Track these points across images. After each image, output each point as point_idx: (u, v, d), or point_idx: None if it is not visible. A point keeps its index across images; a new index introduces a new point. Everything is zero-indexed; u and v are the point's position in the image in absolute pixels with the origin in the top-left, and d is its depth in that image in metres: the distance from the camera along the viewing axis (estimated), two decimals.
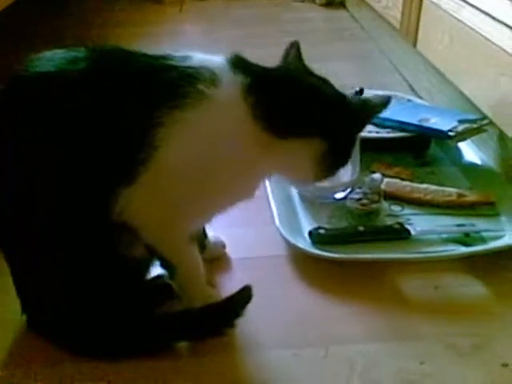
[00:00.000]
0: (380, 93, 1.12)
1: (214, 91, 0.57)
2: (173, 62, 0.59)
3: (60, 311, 0.62)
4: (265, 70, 0.63)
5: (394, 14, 1.33)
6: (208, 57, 0.61)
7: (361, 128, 0.67)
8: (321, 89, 0.63)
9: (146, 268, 0.66)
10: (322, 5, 2.05)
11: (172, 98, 0.57)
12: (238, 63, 0.61)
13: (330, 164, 0.64)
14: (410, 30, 1.22)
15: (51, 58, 0.59)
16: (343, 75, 0.73)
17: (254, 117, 0.58)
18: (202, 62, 0.59)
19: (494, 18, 0.87)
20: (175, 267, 0.65)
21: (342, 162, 0.66)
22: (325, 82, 0.65)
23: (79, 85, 0.57)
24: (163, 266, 0.67)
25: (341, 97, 0.64)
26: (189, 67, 0.59)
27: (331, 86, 0.65)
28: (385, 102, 0.65)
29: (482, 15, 0.91)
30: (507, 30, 0.83)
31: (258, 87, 0.59)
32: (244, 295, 0.64)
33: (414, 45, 1.20)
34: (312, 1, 2.09)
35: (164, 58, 0.60)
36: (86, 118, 0.56)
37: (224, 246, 0.79)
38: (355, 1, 1.87)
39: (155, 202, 0.59)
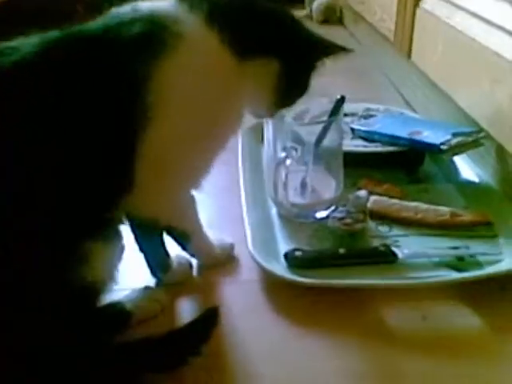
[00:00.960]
0: (373, 106, 1.08)
1: (182, 29, 0.56)
2: (129, 16, 0.56)
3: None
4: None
5: (389, 26, 1.29)
6: (154, 2, 0.59)
7: (317, 54, 0.66)
8: (276, 11, 0.64)
9: (98, 294, 0.58)
10: (319, 22, 2.03)
11: (150, 49, 0.54)
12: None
13: (286, 90, 0.65)
14: (403, 41, 1.17)
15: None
16: (339, 90, 0.72)
17: (222, 43, 0.58)
18: (153, 7, 0.57)
19: (487, 22, 0.82)
20: (190, 235, 0.68)
21: (298, 91, 0.67)
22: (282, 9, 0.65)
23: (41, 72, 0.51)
24: (178, 242, 0.70)
25: (296, 21, 0.65)
26: (147, 15, 0.56)
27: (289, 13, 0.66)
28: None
29: (476, 20, 0.85)
30: (502, 34, 0.77)
31: (217, 13, 0.58)
32: (209, 318, 0.59)
33: (409, 56, 1.15)
34: (310, 18, 2.06)
35: (116, 16, 0.57)
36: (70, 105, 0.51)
37: (191, 267, 0.72)
38: (352, 17, 1.83)
39: (160, 172, 0.57)
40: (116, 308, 0.63)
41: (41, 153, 0.50)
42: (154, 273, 0.69)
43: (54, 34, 0.55)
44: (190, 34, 0.56)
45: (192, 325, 0.60)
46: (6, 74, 0.51)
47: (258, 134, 0.95)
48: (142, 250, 0.68)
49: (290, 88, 0.65)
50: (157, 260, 0.69)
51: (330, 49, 0.67)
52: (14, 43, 0.53)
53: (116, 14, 0.57)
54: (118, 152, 0.54)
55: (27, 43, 0.53)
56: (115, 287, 0.60)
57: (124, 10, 0.58)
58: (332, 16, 2.04)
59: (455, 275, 0.68)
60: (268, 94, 0.64)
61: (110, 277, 0.58)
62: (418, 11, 1.10)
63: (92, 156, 0.53)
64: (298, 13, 2.09)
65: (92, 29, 0.55)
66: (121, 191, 0.56)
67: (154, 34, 0.55)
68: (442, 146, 0.83)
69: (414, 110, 1.17)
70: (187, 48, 0.56)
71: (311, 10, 2.07)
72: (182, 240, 0.70)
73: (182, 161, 0.59)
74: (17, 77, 0.51)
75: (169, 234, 0.70)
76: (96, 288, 0.57)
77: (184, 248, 0.71)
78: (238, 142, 0.97)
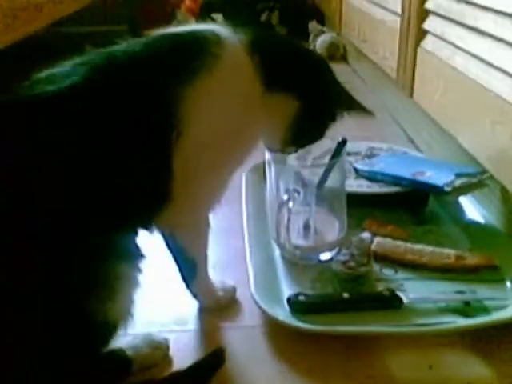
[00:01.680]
0: (376, 145, 1.08)
1: (223, 52, 0.59)
2: (174, 33, 0.61)
3: None
4: (259, 30, 0.66)
5: (391, 65, 1.30)
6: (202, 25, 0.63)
7: (338, 106, 0.69)
8: (312, 56, 0.70)
9: (112, 334, 0.57)
10: None
11: (187, 69, 0.57)
12: (233, 25, 0.63)
13: (300, 130, 0.67)
14: (406, 80, 1.18)
15: (48, 77, 0.55)
16: (342, 126, 0.72)
17: (255, 71, 0.61)
18: (199, 28, 0.61)
19: (488, 63, 0.82)
20: (197, 265, 0.68)
21: (311, 135, 0.70)
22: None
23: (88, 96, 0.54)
24: (183, 276, 0.70)
25: (327, 70, 0.69)
26: (192, 33, 0.60)
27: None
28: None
29: (476, 61, 0.86)
30: (502, 76, 0.78)
31: (258, 44, 0.62)
32: (215, 359, 0.61)
33: (411, 95, 1.16)
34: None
35: (163, 34, 0.60)
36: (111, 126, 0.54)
37: (234, 292, 0.74)
38: (355, 54, 1.85)
39: (189, 183, 0.59)
40: (117, 355, 0.62)
41: (89, 173, 0.53)
42: (185, 280, 0.70)
43: (97, 58, 0.57)
44: (228, 58, 0.59)
45: (198, 365, 0.60)
46: (60, 98, 0.53)
47: (260, 173, 0.95)
48: (173, 256, 0.69)
49: (303, 129, 0.68)
50: (188, 268, 0.69)
51: (352, 105, 0.70)
52: (60, 69, 0.56)
53: (161, 34, 0.60)
54: (158, 165, 0.57)
55: (74, 69, 0.55)
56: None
57: (170, 30, 0.61)
58: (336, 53, 2.06)
59: (462, 322, 0.66)
60: (282, 129, 0.66)
61: (127, 314, 0.57)
62: (419, 51, 1.11)
63: (136, 170, 0.55)
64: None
65: (135, 50, 0.58)
66: (160, 202, 0.58)
67: (195, 55, 0.58)
68: (445, 188, 0.82)
69: (417, 149, 1.17)
70: (223, 70, 0.59)
71: (315, 47, 2.10)
72: (188, 273, 0.70)
73: (208, 172, 0.62)
74: (71, 101, 0.54)
75: (177, 264, 0.69)
76: (112, 327, 0.56)
77: (187, 285, 0.71)
78: (242, 182, 0.97)
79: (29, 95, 0.54)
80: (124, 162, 0.55)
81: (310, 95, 0.65)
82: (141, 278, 0.58)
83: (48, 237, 0.51)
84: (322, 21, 2.31)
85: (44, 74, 0.56)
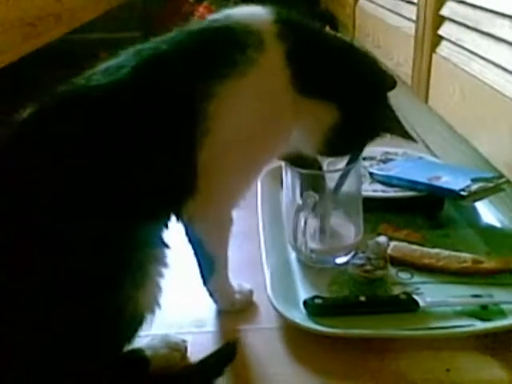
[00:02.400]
0: (391, 150, 1.08)
1: (260, 57, 0.58)
2: (216, 26, 0.60)
3: None
4: (310, 34, 0.63)
5: (406, 71, 1.30)
6: (251, 12, 0.61)
7: (379, 128, 0.68)
8: (352, 67, 0.65)
9: (136, 330, 0.59)
10: None
11: (222, 67, 0.57)
12: (284, 23, 0.61)
13: (335, 140, 0.65)
14: (421, 86, 1.18)
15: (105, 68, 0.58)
16: None
17: (292, 82, 0.60)
18: (246, 22, 0.60)
19: (504, 70, 0.82)
20: (216, 263, 0.68)
21: (346, 148, 0.69)
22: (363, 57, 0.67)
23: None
24: (201, 272, 0.70)
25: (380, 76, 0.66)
26: (234, 29, 0.59)
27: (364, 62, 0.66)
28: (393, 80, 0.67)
29: (493, 67, 0.86)
30: None
31: (300, 55, 0.60)
32: (227, 352, 0.61)
33: (426, 101, 1.16)
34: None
35: (206, 25, 0.61)
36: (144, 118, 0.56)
37: (251, 294, 0.74)
38: None
39: (213, 181, 0.60)
40: (135, 354, 0.62)
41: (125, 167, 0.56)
42: (202, 277, 0.71)
43: (145, 49, 0.59)
44: (264, 64, 0.59)
45: (210, 357, 0.61)
46: (109, 91, 0.56)
47: (276, 178, 0.96)
48: (194, 250, 0.69)
49: (339, 140, 0.66)
50: (206, 263, 0.69)
51: (394, 129, 0.69)
52: (115, 61, 0.59)
53: (202, 25, 0.62)
54: (185, 157, 0.59)
55: (126, 61, 0.58)
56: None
57: (214, 19, 0.61)
58: None
59: (479, 325, 0.66)
60: (316, 137, 0.66)
61: (154, 304, 0.59)
62: (434, 57, 1.11)
63: (163, 162, 0.58)
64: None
65: (178, 43, 0.60)
66: (183, 195, 0.60)
67: (230, 53, 0.58)
68: (461, 192, 0.82)
69: (433, 154, 1.17)
70: (257, 75, 0.59)
71: None
72: (206, 270, 0.70)
73: (232, 169, 0.62)
74: (117, 94, 0.56)
75: (196, 258, 0.70)
76: (139, 319, 0.58)
77: (204, 282, 0.71)
78: (257, 187, 0.98)
79: (86, 87, 0.57)
80: (154, 153, 0.57)
81: (351, 109, 0.64)
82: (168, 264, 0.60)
83: (86, 224, 0.53)
84: (335, 27, 2.32)
85: (104, 65, 0.59)
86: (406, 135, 0.70)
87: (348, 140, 0.68)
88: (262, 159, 0.66)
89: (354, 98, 0.64)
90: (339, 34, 0.71)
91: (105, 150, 0.55)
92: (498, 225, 0.86)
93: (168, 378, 0.60)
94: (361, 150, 0.72)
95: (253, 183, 0.67)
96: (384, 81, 0.67)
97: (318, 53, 0.62)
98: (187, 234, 0.67)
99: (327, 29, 2.22)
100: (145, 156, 0.57)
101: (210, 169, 0.60)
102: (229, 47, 0.59)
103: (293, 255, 0.82)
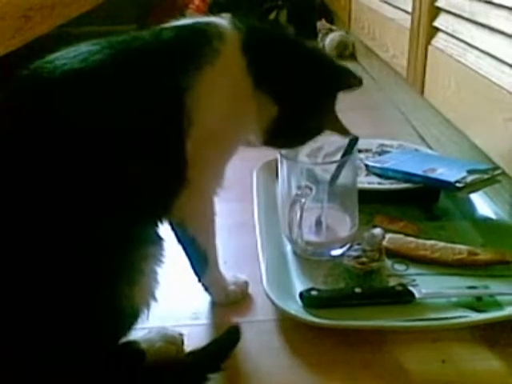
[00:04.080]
0: (387, 142, 1.08)
1: (223, 47, 0.61)
2: (184, 26, 0.63)
3: None
4: (259, 27, 0.67)
5: (401, 63, 1.30)
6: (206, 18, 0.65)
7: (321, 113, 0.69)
8: (299, 58, 0.67)
9: (131, 324, 0.59)
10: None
11: (196, 59, 0.60)
12: (236, 19, 0.65)
13: (276, 130, 0.67)
14: (416, 78, 1.18)
15: (60, 59, 0.56)
16: (353, 126, 0.73)
17: (248, 69, 0.63)
18: (207, 20, 0.63)
19: (500, 61, 0.82)
20: (208, 257, 0.69)
21: (288, 138, 0.70)
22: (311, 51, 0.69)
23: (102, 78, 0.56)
24: (194, 270, 0.71)
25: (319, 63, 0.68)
26: (198, 24, 0.62)
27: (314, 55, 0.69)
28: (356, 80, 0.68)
29: (488, 58, 0.86)
30: None
31: (254, 43, 0.63)
32: (232, 336, 0.62)
33: (422, 93, 1.15)
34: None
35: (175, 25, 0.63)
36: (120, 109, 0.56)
37: (247, 287, 0.75)
38: (364, 52, 1.85)
39: (199, 170, 0.62)
40: (131, 346, 0.62)
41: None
42: (196, 274, 0.71)
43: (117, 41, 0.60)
44: (226, 53, 0.62)
45: (215, 343, 0.62)
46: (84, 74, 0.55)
47: (272, 170, 0.96)
48: (184, 249, 0.69)
49: (279, 133, 0.68)
50: (198, 260, 0.70)
51: (333, 127, 0.71)
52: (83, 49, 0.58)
53: (171, 26, 0.63)
54: (173, 149, 0.60)
55: (92, 52, 0.57)
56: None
57: (179, 23, 0.64)
58: (344, 51, 2.06)
59: (475, 316, 0.66)
60: (262, 127, 0.67)
61: (150, 299, 0.59)
62: (429, 49, 1.11)
63: (156, 156, 0.58)
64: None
65: (147, 40, 0.61)
66: (177, 187, 0.61)
67: (200, 48, 0.60)
68: (457, 184, 0.82)
69: (428, 146, 1.17)
70: (222, 65, 0.61)
71: (324, 46, 2.10)
72: (199, 266, 0.71)
73: (213, 157, 0.64)
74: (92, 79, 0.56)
75: (188, 257, 0.70)
76: (135, 313, 0.58)
77: (199, 279, 0.71)
78: (253, 179, 0.98)
79: (55, 71, 0.54)
80: (147, 147, 0.57)
81: (288, 104, 0.66)
82: (163, 260, 0.60)
83: (78, 220, 0.53)
84: (330, 19, 2.31)
85: (58, 55, 0.57)
86: (345, 132, 0.73)
87: (287, 135, 0.70)
88: (234, 146, 0.68)
89: (295, 96, 0.66)
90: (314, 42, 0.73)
91: (93, 141, 0.54)
92: (493, 217, 0.86)
93: (166, 368, 0.60)
94: (300, 144, 0.73)
95: (225, 170, 0.68)
96: (333, 82, 0.68)
97: (270, 50, 0.65)
98: (176, 235, 0.68)
99: (323, 21, 2.23)
100: (137, 146, 0.56)
101: (196, 159, 0.61)
102: (199, 40, 0.61)
103: (288, 247, 0.82)
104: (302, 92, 0.66)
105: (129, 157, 0.56)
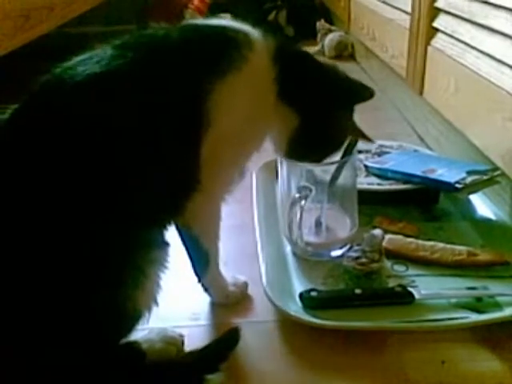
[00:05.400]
0: (386, 143, 1.08)
1: (251, 55, 0.62)
2: (210, 28, 0.64)
3: None
4: (287, 42, 0.70)
5: (400, 63, 1.30)
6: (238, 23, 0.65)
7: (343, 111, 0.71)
8: (321, 76, 0.69)
9: (133, 325, 0.60)
10: (331, 57, 2.05)
11: (221, 63, 0.60)
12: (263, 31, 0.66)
13: (298, 144, 0.69)
14: (415, 79, 1.17)
15: (82, 64, 0.56)
16: None
17: (274, 80, 0.64)
18: (233, 25, 0.64)
19: (499, 61, 0.82)
20: (209, 257, 0.69)
21: (309, 152, 0.71)
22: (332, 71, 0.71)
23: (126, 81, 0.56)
24: (195, 270, 0.71)
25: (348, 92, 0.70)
26: (225, 30, 0.63)
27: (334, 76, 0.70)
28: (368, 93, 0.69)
29: (487, 59, 0.85)
30: None
31: (285, 55, 0.65)
32: (231, 337, 0.62)
33: (421, 93, 1.15)
34: (322, 53, 2.08)
35: (200, 25, 0.65)
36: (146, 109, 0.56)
37: (246, 288, 0.75)
38: (363, 52, 1.85)
39: (211, 175, 0.62)
40: (132, 347, 0.62)
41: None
42: (197, 274, 0.71)
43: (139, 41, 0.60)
44: (254, 62, 0.62)
45: (215, 344, 0.62)
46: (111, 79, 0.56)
47: (272, 171, 0.96)
48: (186, 247, 0.70)
49: (301, 146, 0.70)
50: (200, 261, 0.70)
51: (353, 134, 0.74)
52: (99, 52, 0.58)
53: (196, 25, 0.65)
54: (187, 152, 0.60)
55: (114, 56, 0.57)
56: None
57: (205, 23, 0.65)
58: (344, 51, 2.06)
59: (475, 317, 0.66)
60: (284, 139, 0.69)
61: (152, 302, 0.59)
62: (429, 49, 1.11)
63: (170, 158, 0.58)
64: (311, 49, 2.12)
65: (173, 39, 0.61)
66: (188, 190, 0.61)
67: (228, 53, 0.61)
68: (456, 185, 0.82)
69: (427, 146, 1.17)
70: (249, 72, 0.62)
71: (323, 46, 2.10)
72: (200, 267, 0.71)
73: (227, 163, 0.65)
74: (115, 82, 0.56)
75: (190, 257, 0.70)
76: (137, 315, 0.58)
77: (199, 279, 0.72)
78: (253, 180, 0.97)
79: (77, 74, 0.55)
80: (160, 147, 0.57)
81: (310, 115, 0.67)
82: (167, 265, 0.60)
83: (88, 220, 0.53)
84: (330, 19, 2.31)
85: (79, 59, 0.57)
86: (364, 137, 0.77)
87: (307, 146, 0.70)
88: (249, 152, 0.68)
89: (317, 108, 0.68)
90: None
91: (108, 145, 0.54)
92: (492, 217, 0.86)
93: (165, 368, 0.60)
94: (320, 159, 0.74)
95: (237, 177, 0.69)
96: (350, 96, 0.70)
97: (298, 62, 0.68)
98: (180, 235, 0.68)
99: (322, 22, 2.23)
100: (151, 150, 0.56)
101: (210, 163, 0.61)
102: (225, 44, 0.61)
103: (288, 248, 0.82)
104: (323, 105, 0.68)
105: (143, 158, 0.56)
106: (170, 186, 0.59)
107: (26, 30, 1.11)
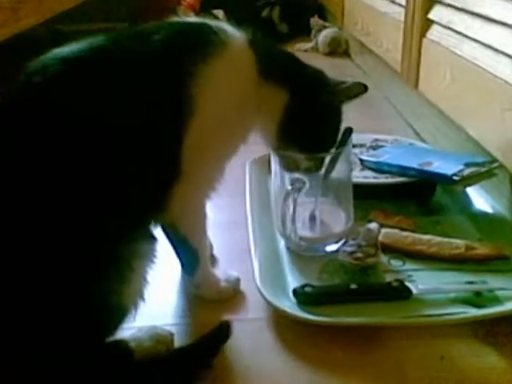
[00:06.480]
0: (381, 137, 1.06)
1: (230, 40, 0.63)
2: (191, 21, 0.66)
3: None
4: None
5: (395, 57, 1.28)
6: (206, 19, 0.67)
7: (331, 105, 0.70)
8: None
9: (119, 322, 0.58)
10: (325, 54, 2.04)
11: (202, 46, 0.60)
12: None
13: (290, 127, 0.68)
14: (410, 71, 1.16)
15: (58, 54, 0.56)
16: (346, 122, 0.73)
17: (255, 60, 0.65)
18: (205, 21, 0.65)
19: (495, 50, 0.81)
20: (198, 255, 0.67)
21: (306, 134, 0.69)
22: None
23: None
24: (183, 263, 0.70)
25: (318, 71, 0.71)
26: (203, 23, 0.64)
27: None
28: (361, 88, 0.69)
29: (483, 48, 0.84)
30: (510, 62, 0.76)
31: (259, 41, 0.66)
32: (222, 331, 0.61)
33: (416, 86, 1.14)
34: (316, 50, 2.07)
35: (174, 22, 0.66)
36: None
37: (238, 284, 0.73)
38: (358, 48, 1.84)
39: (194, 167, 0.61)
40: (119, 345, 0.60)
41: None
42: (187, 272, 0.70)
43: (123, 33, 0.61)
44: (233, 44, 0.63)
45: (205, 339, 0.60)
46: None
47: (265, 165, 0.94)
48: (174, 248, 0.69)
49: (294, 128, 0.68)
50: (189, 258, 0.69)
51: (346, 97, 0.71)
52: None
53: (175, 22, 0.66)
54: (169, 139, 0.59)
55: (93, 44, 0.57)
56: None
57: (182, 20, 0.67)
58: (338, 48, 2.05)
59: (474, 312, 0.65)
60: (273, 123, 0.67)
61: (138, 298, 0.58)
62: (424, 41, 1.09)
63: (147, 142, 0.56)
64: (305, 45, 2.10)
65: (153, 30, 0.61)
66: (171, 179, 0.60)
67: (207, 39, 0.62)
68: (454, 177, 0.81)
69: (423, 141, 1.16)
70: (230, 56, 0.62)
71: (317, 43, 2.08)
72: (189, 265, 0.69)
73: (211, 155, 0.63)
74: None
75: (178, 256, 0.69)
76: (123, 311, 0.57)
77: (189, 277, 0.70)
78: (245, 174, 0.96)
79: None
80: (142, 135, 0.56)
81: (299, 92, 0.67)
82: (155, 259, 0.59)
83: (68, 212, 0.51)
84: (323, 16, 2.30)
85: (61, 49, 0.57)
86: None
87: (300, 130, 0.69)
88: (235, 143, 0.67)
89: (303, 84, 0.68)
90: None
91: (88, 134, 0.53)
92: (490, 211, 0.85)
93: (155, 365, 0.59)
94: (318, 145, 0.71)
95: (224, 172, 0.67)
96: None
97: (272, 48, 0.69)
98: (167, 235, 0.67)
99: (316, 18, 2.21)
100: (132, 139, 0.55)
101: (194, 152, 0.60)
102: (205, 31, 0.63)
103: (282, 243, 0.80)
104: (309, 78, 0.68)
105: (122, 145, 0.54)
106: (150, 177, 0.57)
107: (13, 22, 1.09)
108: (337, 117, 0.71)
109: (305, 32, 2.19)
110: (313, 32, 2.15)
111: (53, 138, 0.52)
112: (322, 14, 2.32)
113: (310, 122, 0.69)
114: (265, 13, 2.39)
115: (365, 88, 0.69)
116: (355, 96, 0.70)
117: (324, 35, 2.07)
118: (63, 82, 0.54)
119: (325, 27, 2.13)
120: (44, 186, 0.51)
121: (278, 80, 0.66)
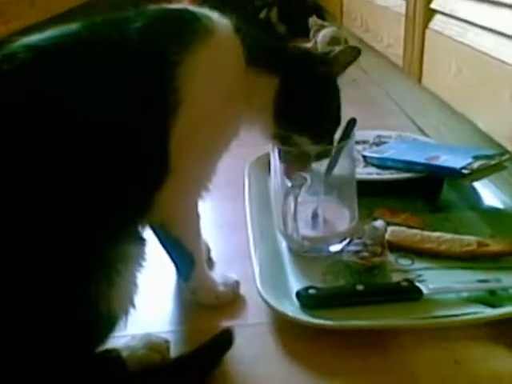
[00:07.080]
0: (384, 133, 1.03)
1: (214, 26, 0.61)
2: (170, 9, 0.62)
3: None
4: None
5: (397, 52, 1.26)
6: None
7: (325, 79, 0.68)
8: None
9: (109, 330, 0.55)
10: None
11: (185, 33, 0.59)
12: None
13: (286, 110, 0.66)
14: (413, 65, 1.14)
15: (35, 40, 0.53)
16: (347, 118, 0.71)
17: (241, 46, 0.63)
18: (189, 7, 0.63)
19: (502, 34, 0.78)
20: (193, 258, 0.65)
21: (306, 113, 0.67)
22: None
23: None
24: (179, 268, 0.67)
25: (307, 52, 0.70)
26: (185, 9, 0.62)
27: None
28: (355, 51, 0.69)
29: (490, 34, 0.82)
30: None
31: (241, 26, 0.64)
32: (223, 340, 0.58)
33: (419, 80, 1.11)
34: (315, 50, 2.05)
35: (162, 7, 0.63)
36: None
37: (238, 287, 0.70)
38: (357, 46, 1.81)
39: (183, 164, 0.59)
40: (109, 355, 0.57)
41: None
42: (183, 278, 0.68)
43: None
44: (219, 31, 0.61)
45: (206, 347, 0.58)
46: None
47: (264, 166, 0.92)
48: (167, 251, 0.66)
49: (292, 108, 0.66)
50: (184, 263, 0.66)
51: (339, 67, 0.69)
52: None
53: (156, 8, 0.63)
54: (155, 134, 0.56)
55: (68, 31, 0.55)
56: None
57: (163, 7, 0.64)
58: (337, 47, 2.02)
59: (489, 312, 0.61)
60: (265, 109, 0.65)
61: (128, 304, 0.55)
62: (427, 33, 1.07)
63: (131, 137, 0.54)
64: (304, 45, 2.08)
65: (133, 18, 0.59)
66: (160, 176, 0.58)
67: (191, 24, 0.59)
68: (463, 170, 0.78)
69: (427, 136, 1.13)
70: (215, 42, 0.60)
71: (316, 43, 2.06)
72: (185, 269, 0.67)
73: (202, 142, 0.61)
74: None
75: (173, 261, 0.67)
76: (112, 319, 0.54)
77: (185, 282, 0.67)
78: (244, 175, 0.93)
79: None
80: (126, 127, 0.53)
81: (290, 75, 0.65)
82: (144, 264, 0.56)
83: (53, 211, 0.49)
84: (322, 15, 2.28)
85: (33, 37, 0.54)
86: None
87: (296, 116, 0.67)
88: (225, 136, 0.65)
89: (293, 66, 0.66)
90: None
91: (71, 129, 0.50)
92: (500, 206, 0.82)
93: (150, 376, 0.55)
94: (318, 130, 0.69)
95: (214, 171, 0.65)
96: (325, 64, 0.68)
97: (258, 32, 0.67)
98: (160, 239, 0.65)
99: (314, 18, 2.19)
100: (113, 132, 0.52)
101: (182, 145, 0.58)
102: (188, 18, 0.61)
103: (283, 244, 0.77)
104: (298, 59, 0.67)
105: (100, 139, 0.51)
106: (137, 173, 0.55)
107: (3, 23, 1.06)
108: (335, 91, 0.70)
109: (303, 32, 2.17)
110: (311, 32, 2.13)
111: (21, 129, 0.48)
112: (320, 13, 2.30)
113: (308, 100, 0.66)
114: (263, 14, 2.37)
115: (358, 51, 0.68)
116: (350, 62, 0.68)
117: (323, 35, 2.05)
118: (32, 69, 0.51)
119: (323, 27, 2.10)
120: (17, 183, 0.48)
121: (265, 65, 0.64)
